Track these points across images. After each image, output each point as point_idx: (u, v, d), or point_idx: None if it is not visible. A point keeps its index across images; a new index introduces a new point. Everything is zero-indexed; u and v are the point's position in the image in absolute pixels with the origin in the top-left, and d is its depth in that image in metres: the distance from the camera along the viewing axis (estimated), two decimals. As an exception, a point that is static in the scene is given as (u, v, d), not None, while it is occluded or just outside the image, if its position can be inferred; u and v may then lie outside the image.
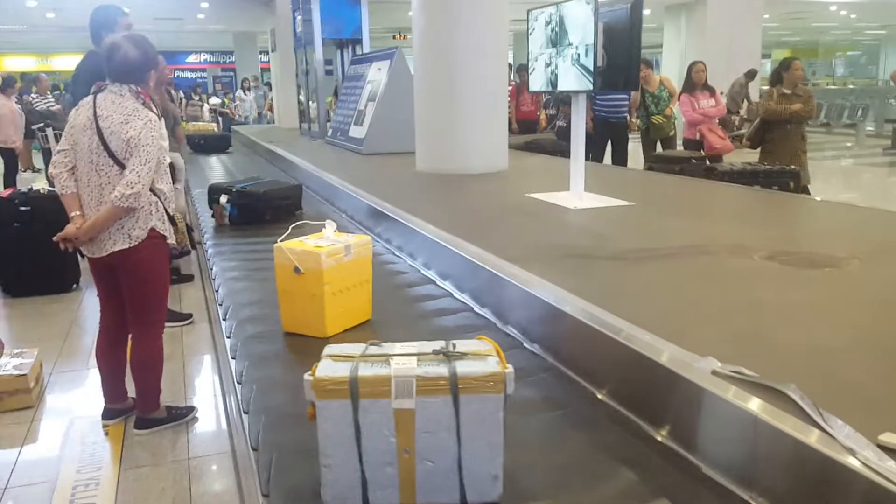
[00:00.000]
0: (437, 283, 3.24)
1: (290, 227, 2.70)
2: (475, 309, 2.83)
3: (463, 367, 1.54)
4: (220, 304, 3.40)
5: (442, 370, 1.55)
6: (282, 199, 5.07)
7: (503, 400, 1.55)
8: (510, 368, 1.56)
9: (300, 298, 2.74)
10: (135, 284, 3.02)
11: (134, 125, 2.81)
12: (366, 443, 1.56)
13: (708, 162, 6.37)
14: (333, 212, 5.27)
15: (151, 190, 2.92)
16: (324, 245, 2.62)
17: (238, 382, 2.52)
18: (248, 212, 4.88)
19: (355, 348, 1.68)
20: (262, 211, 4.89)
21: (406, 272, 3.48)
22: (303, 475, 1.73)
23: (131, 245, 2.90)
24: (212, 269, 4.01)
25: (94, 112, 2.86)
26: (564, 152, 8.24)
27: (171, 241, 3.08)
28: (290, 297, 2.80)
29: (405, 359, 1.59)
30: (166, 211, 3.02)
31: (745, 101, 12.03)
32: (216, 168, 9.23)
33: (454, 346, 1.63)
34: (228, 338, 2.93)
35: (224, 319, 3.16)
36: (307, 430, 1.72)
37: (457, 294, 3.03)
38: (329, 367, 1.62)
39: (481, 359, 1.58)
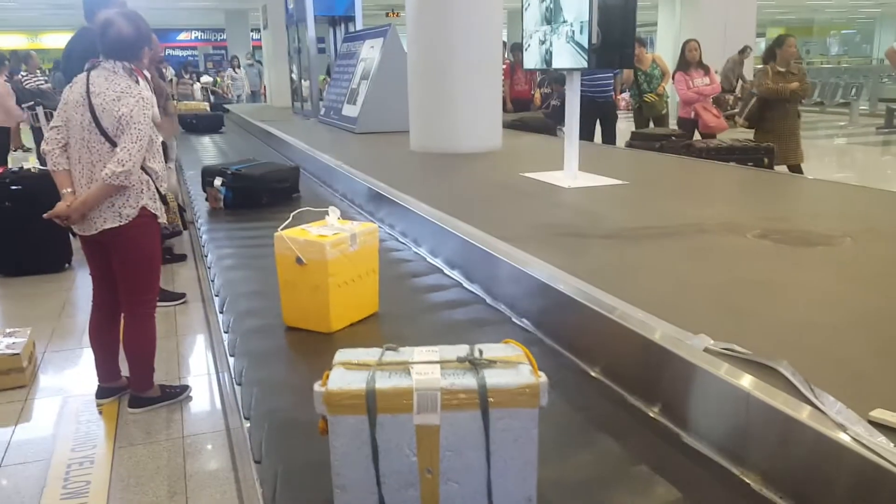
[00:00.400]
0: (428, 259, 3.23)
1: (292, 215, 2.47)
2: (465, 285, 2.83)
3: (493, 378, 1.38)
4: (217, 295, 3.21)
5: (469, 381, 1.38)
6: (279, 182, 4.83)
7: (537, 414, 1.38)
8: (544, 378, 1.39)
9: (303, 291, 2.55)
10: (126, 263, 3.01)
11: (126, 102, 2.79)
12: (384, 463, 1.41)
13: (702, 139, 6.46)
14: (332, 195, 5.18)
15: (143, 168, 2.90)
16: (328, 234, 2.44)
17: (238, 383, 2.41)
18: (244, 195, 4.62)
19: (371, 354, 1.50)
20: (259, 194, 4.64)
21: (399, 249, 3.48)
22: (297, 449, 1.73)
23: (122, 223, 2.89)
24: (206, 257, 3.81)
25: (88, 89, 2.84)
26: (551, 130, 8.27)
27: (163, 220, 3.07)
28: (292, 289, 2.60)
29: (427, 367, 1.42)
30: (158, 190, 3.01)
31: (739, 79, 12.01)
32: (209, 148, 8.86)
33: (480, 351, 1.46)
34: (226, 333, 2.74)
35: (221, 312, 2.94)
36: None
37: (447, 270, 3.03)
38: (342, 378, 1.43)
39: (512, 367, 1.41)
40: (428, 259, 3.28)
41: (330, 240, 2.40)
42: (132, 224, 2.91)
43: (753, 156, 5.76)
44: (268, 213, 4.38)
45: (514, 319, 2.46)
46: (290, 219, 2.40)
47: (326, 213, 2.56)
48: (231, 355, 2.56)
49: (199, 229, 4.11)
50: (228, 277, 3.41)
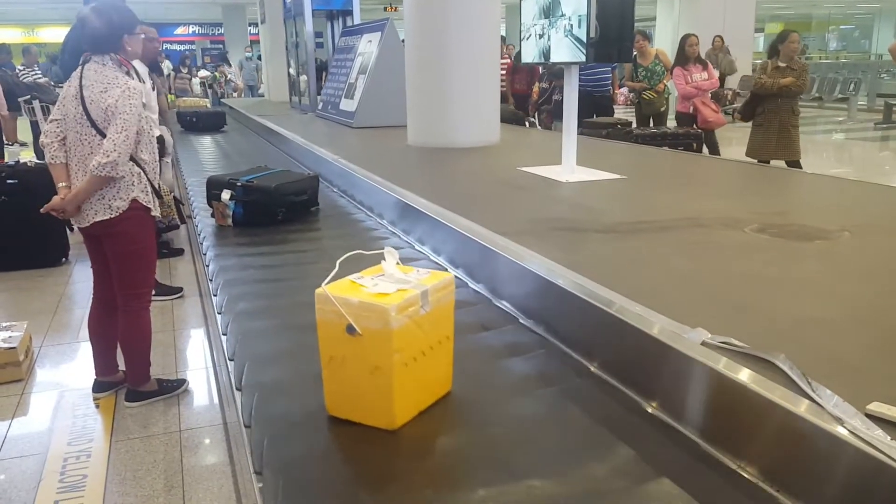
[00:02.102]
0: (432, 258, 3.23)
1: (338, 263, 1.74)
2: (469, 285, 2.83)
3: None
4: (232, 360, 2.34)
5: None
6: (297, 195, 4.07)
7: None
8: None
9: (355, 370, 1.77)
10: (118, 256, 3.01)
11: (112, 93, 2.80)
12: None
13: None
14: (349, 202, 4.88)
15: (134, 160, 2.90)
16: (388, 289, 1.73)
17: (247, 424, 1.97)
18: (257, 211, 3.88)
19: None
20: (274, 209, 3.90)
21: (387, 237, 3.47)
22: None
23: (112, 216, 2.89)
24: (215, 296, 2.98)
25: (80, 82, 2.85)
26: (521, 122, 8.38)
27: (156, 213, 3.07)
28: (339, 367, 1.80)
29: None
30: (150, 182, 3.00)
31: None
32: (210, 151, 7.78)
33: None
34: (247, 427, 1.92)
35: (238, 389, 2.15)
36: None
37: (451, 269, 3.03)
38: None
39: None
40: (431, 257, 3.27)
41: (395, 301, 1.67)
42: (123, 216, 2.91)
43: (683, 141, 6.77)
44: (285, 231, 3.80)
45: (521, 320, 2.45)
46: (337, 268, 1.74)
47: (382, 256, 1.85)
48: (257, 472, 1.72)
49: (205, 254, 3.48)
50: (245, 330, 2.50)
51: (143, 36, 2.98)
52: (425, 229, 3.35)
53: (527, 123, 8.77)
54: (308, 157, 6.01)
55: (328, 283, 1.74)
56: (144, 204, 2.94)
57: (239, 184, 3.88)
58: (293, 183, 4.09)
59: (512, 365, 2.12)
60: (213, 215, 3.99)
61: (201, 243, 3.67)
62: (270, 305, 2.71)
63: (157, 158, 3.09)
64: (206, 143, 8.46)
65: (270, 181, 3.96)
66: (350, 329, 1.70)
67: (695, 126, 7.64)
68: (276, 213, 3.90)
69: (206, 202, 4.09)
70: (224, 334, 2.58)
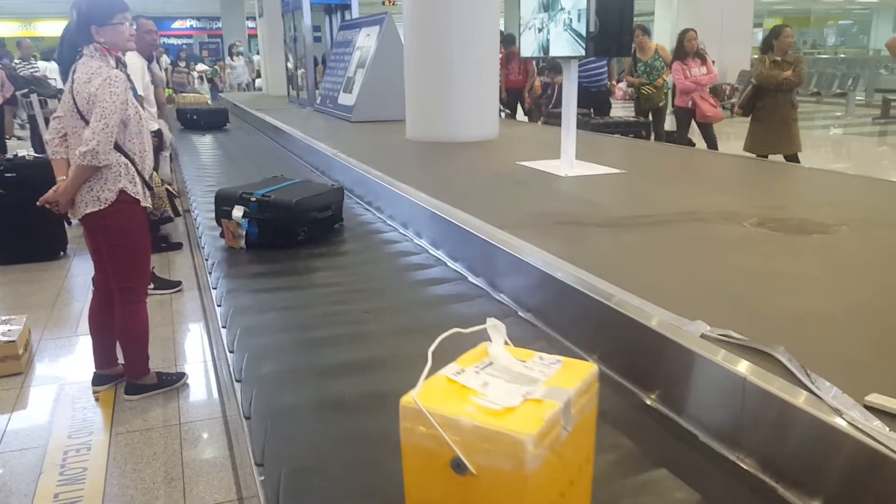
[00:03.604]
0: (430, 252, 3.23)
1: (430, 353, 1.18)
2: (469, 279, 2.83)
3: None
4: (262, 465, 1.64)
5: None
6: (320, 211, 3.47)
7: None
8: None
9: None
10: (111, 249, 3.02)
11: (94, 82, 2.81)
12: None
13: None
14: (357, 202, 4.10)
15: (121, 150, 2.90)
16: (512, 400, 1.13)
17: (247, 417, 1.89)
18: (274, 230, 3.28)
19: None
20: (294, 228, 3.31)
21: (385, 230, 3.47)
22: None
23: (101, 207, 2.90)
24: (231, 354, 2.25)
25: (73, 76, 2.87)
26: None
27: (146, 204, 3.07)
28: None
29: None
30: (140, 174, 3.00)
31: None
32: (213, 152, 7.09)
33: None
34: (247, 418, 1.85)
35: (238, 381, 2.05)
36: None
37: (450, 263, 3.03)
38: None
39: None
40: (431, 251, 3.27)
41: (530, 427, 1.07)
42: (113, 209, 2.92)
43: (634, 129, 7.45)
44: (308, 255, 3.20)
45: (519, 313, 2.46)
46: (430, 361, 1.18)
47: (485, 337, 1.31)
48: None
49: (215, 288, 2.86)
50: (272, 411, 1.81)
51: (128, 26, 2.95)
52: (423, 222, 3.35)
53: (503, 115, 8.84)
54: (321, 158, 5.80)
55: (418, 393, 1.14)
56: (133, 195, 2.94)
57: (253, 199, 3.28)
58: (316, 197, 3.48)
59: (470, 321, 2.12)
60: (222, 235, 3.38)
61: (209, 272, 3.09)
62: (307, 372, 2.02)
63: (149, 150, 3.08)
64: (208, 143, 7.83)
65: (289, 195, 3.36)
66: (458, 466, 1.11)
67: (694, 120, 7.66)
68: (297, 232, 3.33)
69: (215, 220, 3.45)
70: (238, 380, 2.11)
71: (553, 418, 1.12)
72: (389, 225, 3.71)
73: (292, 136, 6.72)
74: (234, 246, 3.30)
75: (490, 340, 1.30)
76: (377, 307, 2.49)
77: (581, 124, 6.91)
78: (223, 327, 2.43)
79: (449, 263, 2.98)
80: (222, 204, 3.37)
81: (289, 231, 3.30)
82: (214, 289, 2.81)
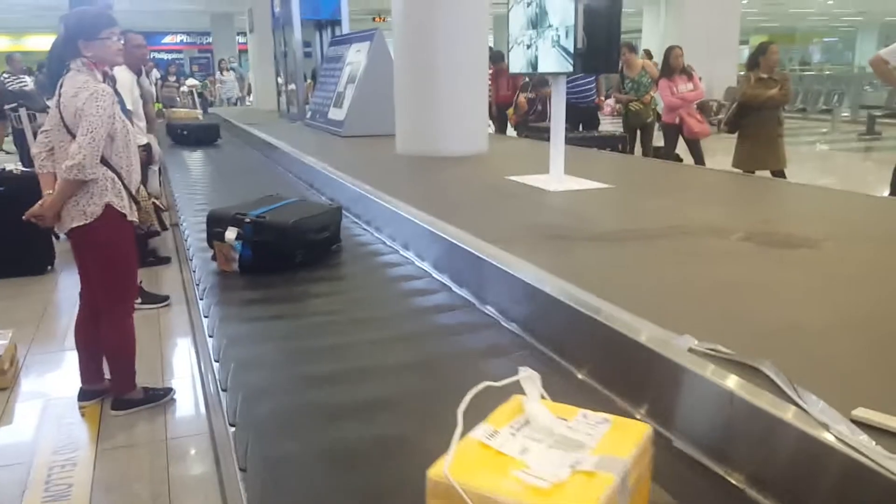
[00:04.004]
0: (416, 263, 3.23)
1: (463, 411, 1.10)
2: (453, 289, 2.83)
3: None
4: (225, 390, 2.03)
5: None
6: (317, 232, 3.29)
7: None
8: None
9: None
10: (97, 263, 3.01)
11: (81, 97, 2.81)
12: None
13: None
14: (355, 222, 4.13)
15: (107, 164, 2.90)
16: (559, 473, 1.00)
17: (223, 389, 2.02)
18: (269, 253, 3.08)
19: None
20: (291, 251, 3.13)
21: (385, 252, 3.46)
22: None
23: (87, 222, 2.90)
24: (224, 392, 2.08)
25: (60, 90, 2.88)
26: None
27: (133, 219, 3.06)
28: None
29: None
30: (126, 188, 3.00)
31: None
32: (204, 169, 6.92)
33: None
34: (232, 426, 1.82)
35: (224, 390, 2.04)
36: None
37: (436, 275, 3.03)
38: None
39: None
40: (435, 275, 3.21)
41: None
42: (99, 223, 2.91)
43: (611, 143, 7.65)
44: (305, 279, 3.01)
45: (502, 323, 2.46)
46: (460, 425, 1.07)
47: (518, 391, 1.20)
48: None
49: (206, 317, 2.68)
50: (276, 467, 1.62)
51: (116, 41, 2.95)
52: (412, 235, 3.36)
53: (492, 129, 8.95)
54: (315, 175, 5.66)
55: (450, 466, 0.98)
56: (119, 209, 2.94)
57: (247, 220, 3.09)
58: (313, 217, 3.30)
59: (496, 369, 2.12)
60: (213, 258, 3.18)
61: (201, 298, 2.92)
62: (302, 408, 1.85)
63: (136, 164, 3.08)
64: (198, 159, 7.64)
65: (286, 216, 3.17)
66: None
67: (681, 136, 7.72)
68: (294, 255, 3.14)
69: (207, 242, 3.25)
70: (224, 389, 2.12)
71: (610, 497, 0.95)
72: (390, 247, 3.55)
73: (283, 152, 6.72)
74: (226, 269, 3.10)
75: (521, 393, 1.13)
76: (381, 338, 2.34)
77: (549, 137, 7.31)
78: (215, 361, 2.25)
79: (455, 290, 2.89)
80: (214, 225, 3.18)
81: (285, 254, 3.11)
82: (206, 317, 2.64)
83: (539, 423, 1.09)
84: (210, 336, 2.43)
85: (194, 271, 3.29)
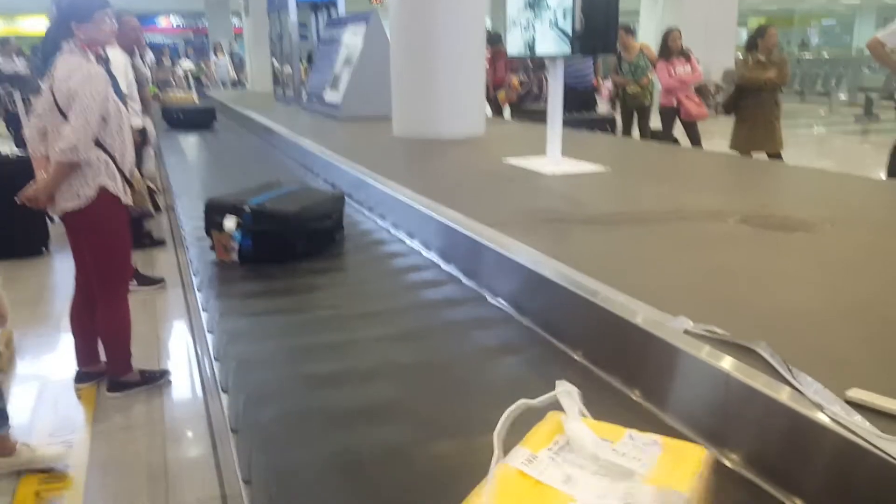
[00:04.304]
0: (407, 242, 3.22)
1: (497, 439, 1.01)
2: (442, 266, 2.83)
3: None
4: (225, 389, 2.01)
5: None
6: (320, 220, 3.16)
7: None
8: None
9: None
10: (90, 245, 3.00)
11: (74, 79, 2.80)
12: None
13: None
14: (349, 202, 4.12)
15: (101, 147, 2.89)
16: None
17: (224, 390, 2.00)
18: (271, 243, 2.96)
19: None
20: (293, 240, 3.01)
21: (389, 241, 3.44)
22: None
23: (80, 204, 2.88)
24: (224, 390, 2.01)
25: (52, 72, 2.85)
26: None
27: (127, 201, 3.05)
28: None
29: None
30: (120, 170, 2.98)
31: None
32: (200, 154, 6.72)
33: None
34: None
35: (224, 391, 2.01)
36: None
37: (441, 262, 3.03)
38: None
39: None
40: (443, 265, 3.19)
41: None
42: (92, 206, 2.90)
43: (600, 125, 7.77)
44: (308, 271, 2.88)
45: (495, 303, 2.46)
46: (497, 451, 1.00)
47: (556, 407, 1.12)
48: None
49: (205, 309, 2.57)
50: (282, 478, 1.52)
51: (109, 22, 2.92)
52: (411, 220, 3.35)
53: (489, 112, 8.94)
54: (313, 159, 5.50)
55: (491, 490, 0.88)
56: (113, 192, 2.93)
57: (247, 208, 2.94)
58: (315, 206, 3.15)
59: (496, 356, 2.12)
60: (212, 247, 3.03)
61: (198, 289, 2.80)
62: (309, 413, 1.75)
63: (130, 146, 3.06)
64: (194, 143, 7.44)
65: (287, 204, 3.04)
66: None
67: (678, 119, 7.69)
68: (296, 244, 3.01)
69: (205, 231, 3.08)
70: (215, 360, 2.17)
71: None
72: (393, 235, 3.38)
73: (281, 136, 6.68)
74: (225, 259, 2.97)
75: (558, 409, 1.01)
76: (388, 335, 2.21)
77: (542, 118, 7.38)
78: (215, 360, 2.15)
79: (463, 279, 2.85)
80: (213, 213, 3.00)
81: (287, 244, 2.98)
82: (205, 311, 2.53)
83: (581, 444, 0.98)
84: (209, 332, 2.33)
85: (191, 261, 3.15)
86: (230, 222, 2.92)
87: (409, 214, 3.35)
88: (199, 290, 2.78)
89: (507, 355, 2.13)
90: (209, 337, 2.32)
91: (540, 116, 7.64)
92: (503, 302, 2.46)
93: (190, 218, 3.69)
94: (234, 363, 2.05)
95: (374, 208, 3.86)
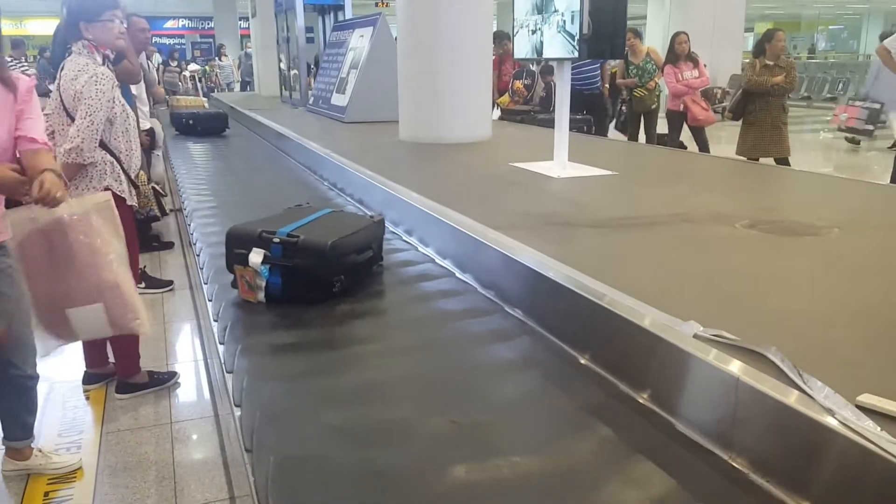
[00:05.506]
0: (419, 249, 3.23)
1: None
2: (456, 274, 2.83)
3: None
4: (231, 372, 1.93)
5: None
6: (359, 252, 2.70)
7: None
8: None
9: None
10: None
11: (80, 80, 2.81)
12: None
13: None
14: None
15: (106, 148, 2.90)
16: None
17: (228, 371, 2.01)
18: (303, 280, 2.52)
19: None
20: (329, 277, 2.55)
21: (432, 271, 2.95)
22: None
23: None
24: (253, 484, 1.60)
25: (60, 73, 2.87)
26: None
27: (132, 203, 3.06)
28: None
29: None
30: (126, 172, 3.00)
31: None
32: (211, 164, 6.13)
33: None
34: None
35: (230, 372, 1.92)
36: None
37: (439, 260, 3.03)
38: None
39: None
40: (420, 248, 3.26)
41: None
42: None
43: (578, 125, 7.64)
44: (347, 315, 2.47)
45: (506, 308, 2.46)
46: None
47: None
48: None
49: (230, 371, 2.13)
50: None
51: (118, 23, 2.93)
52: (418, 222, 3.35)
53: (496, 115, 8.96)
54: (330, 169, 5.15)
55: None
56: (118, 193, 2.94)
57: (276, 239, 2.52)
58: (354, 235, 2.68)
59: (500, 354, 2.12)
60: (234, 284, 2.62)
61: (221, 343, 2.35)
62: None
63: (136, 148, 3.08)
64: (206, 152, 6.87)
65: (322, 234, 2.56)
66: None
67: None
68: (332, 282, 2.55)
69: (226, 266, 2.65)
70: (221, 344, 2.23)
71: None
72: (437, 264, 3.02)
73: (293, 142, 6.57)
74: (250, 299, 2.55)
75: None
76: (455, 407, 1.81)
77: (529, 120, 7.79)
78: (248, 450, 1.70)
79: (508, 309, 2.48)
80: (236, 246, 2.57)
81: (322, 281, 2.53)
82: (230, 373, 2.12)
83: None
84: (237, 406, 1.94)
85: (210, 299, 2.77)
86: (256, 256, 2.51)
87: (426, 221, 3.35)
88: (221, 343, 2.35)
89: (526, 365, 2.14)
90: (236, 412, 1.91)
91: (531, 120, 7.81)
92: (518, 310, 2.47)
93: (207, 244, 3.37)
94: (272, 458, 1.59)
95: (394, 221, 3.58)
